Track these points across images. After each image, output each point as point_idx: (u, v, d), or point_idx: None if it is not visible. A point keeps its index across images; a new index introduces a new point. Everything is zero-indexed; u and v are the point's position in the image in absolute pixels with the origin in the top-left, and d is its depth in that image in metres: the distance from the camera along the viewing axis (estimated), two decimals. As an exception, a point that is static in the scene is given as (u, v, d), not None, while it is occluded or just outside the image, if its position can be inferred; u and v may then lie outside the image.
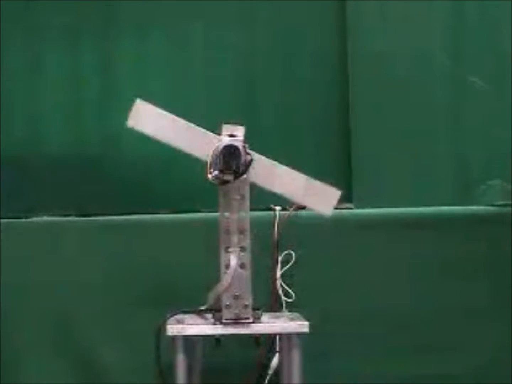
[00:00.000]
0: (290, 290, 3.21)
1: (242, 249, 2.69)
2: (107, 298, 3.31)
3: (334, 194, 2.74)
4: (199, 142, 2.69)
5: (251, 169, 2.64)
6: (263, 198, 3.06)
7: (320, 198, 2.75)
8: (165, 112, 2.76)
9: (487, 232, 3.27)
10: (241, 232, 2.68)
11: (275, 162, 2.72)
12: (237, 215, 2.68)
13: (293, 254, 3.21)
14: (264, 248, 3.15)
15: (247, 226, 2.69)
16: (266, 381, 3.21)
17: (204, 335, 2.73)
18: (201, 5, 3.41)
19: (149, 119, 2.76)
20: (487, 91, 3.34)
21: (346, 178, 3.38)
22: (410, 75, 3.36)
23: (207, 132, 2.70)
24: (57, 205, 3.41)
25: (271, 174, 2.72)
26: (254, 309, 2.73)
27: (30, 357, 3.31)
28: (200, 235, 3.17)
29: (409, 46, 3.37)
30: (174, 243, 3.29)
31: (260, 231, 2.90)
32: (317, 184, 2.74)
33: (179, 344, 2.68)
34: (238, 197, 2.68)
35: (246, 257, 2.69)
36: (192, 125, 2.73)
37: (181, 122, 2.73)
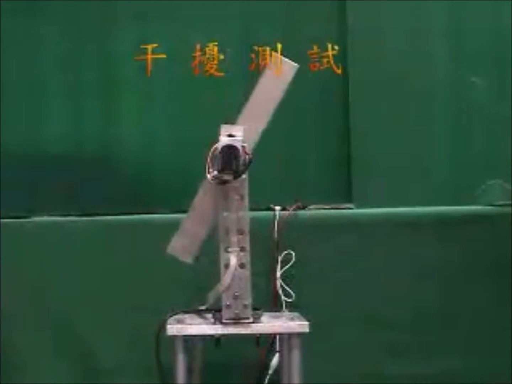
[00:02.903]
0: (290, 290, 3.21)
1: (242, 249, 2.69)
2: (107, 297, 3.31)
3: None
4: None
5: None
6: (263, 198, 3.07)
7: None
8: None
9: (487, 232, 3.27)
10: (240, 232, 2.69)
11: None
12: (237, 215, 2.68)
13: (293, 254, 3.21)
14: (264, 248, 3.15)
15: (246, 226, 2.69)
16: (266, 381, 3.21)
17: (204, 335, 2.73)
18: (201, 4, 3.41)
19: None
20: (487, 91, 3.34)
21: (346, 178, 3.38)
22: (410, 75, 3.36)
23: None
24: (57, 205, 3.41)
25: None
26: (254, 309, 2.73)
27: (30, 357, 3.32)
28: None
29: (409, 46, 3.37)
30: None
31: (260, 231, 2.90)
32: None
33: (179, 344, 2.68)
34: (237, 197, 2.68)
35: (246, 257, 2.70)
36: None
37: None
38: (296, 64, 2.77)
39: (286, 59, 2.76)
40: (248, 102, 2.76)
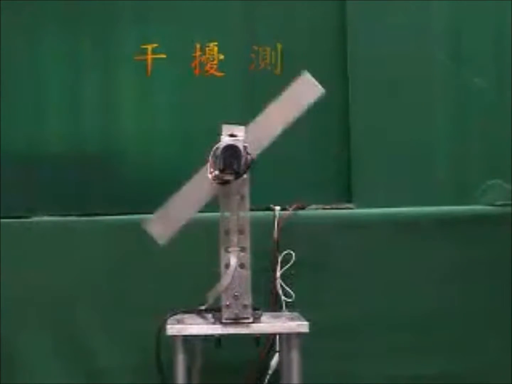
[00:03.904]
0: (290, 290, 3.21)
1: (242, 249, 2.70)
2: (107, 297, 3.31)
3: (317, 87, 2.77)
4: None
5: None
6: (263, 198, 3.07)
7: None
8: None
9: (487, 232, 3.26)
10: (241, 232, 2.69)
11: None
12: (237, 215, 2.68)
13: (293, 254, 3.21)
14: (264, 248, 3.15)
15: (247, 226, 2.69)
16: (266, 381, 3.21)
17: (204, 335, 2.73)
18: (202, 4, 3.42)
19: None
20: (487, 91, 3.34)
21: (346, 178, 3.39)
22: (410, 75, 3.36)
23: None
24: (58, 205, 3.41)
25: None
26: (254, 309, 2.73)
27: (30, 357, 3.31)
28: (200, 235, 3.17)
29: (409, 46, 3.37)
30: (174, 243, 3.28)
31: (260, 231, 2.90)
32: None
33: (179, 344, 2.68)
34: (238, 197, 2.68)
35: (246, 257, 2.70)
36: None
37: None
38: (322, 89, 2.76)
39: (316, 82, 2.75)
40: (267, 109, 2.75)
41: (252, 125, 2.71)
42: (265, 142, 2.72)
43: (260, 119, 2.74)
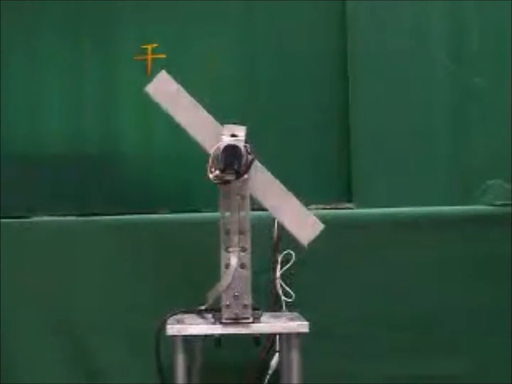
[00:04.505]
0: (290, 290, 3.20)
1: (242, 249, 2.69)
2: (107, 297, 3.31)
3: (317, 226, 2.76)
4: (205, 130, 2.71)
5: (250, 181, 2.66)
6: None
7: (304, 227, 2.76)
8: (185, 93, 2.76)
9: (487, 232, 3.26)
10: (241, 232, 2.69)
11: (275, 180, 2.73)
12: (238, 215, 2.68)
13: (293, 254, 3.21)
14: (264, 248, 3.15)
15: (247, 226, 2.69)
16: (266, 381, 3.21)
17: (204, 335, 2.73)
18: (201, 4, 3.41)
19: (168, 93, 2.76)
20: (487, 91, 3.34)
21: (346, 178, 3.38)
22: (410, 75, 3.36)
23: (218, 125, 2.70)
24: (57, 205, 3.41)
25: (269, 190, 2.74)
26: (253, 309, 2.73)
27: (30, 357, 3.31)
28: (200, 235, 3.17)
29: (409, 46, 3.37)
30: (174, 243, 3.29)
31: (260, 231, 2.90)
32: (307, 213, 2.76)
33: (179, 344, 2.68)
34: (238, 197, 2.68)
35: (246, 257, 2.69)
36: (205, 113, 2.73)
37: (197, 107, 2.75)
38: (322, 225, 2.78)
39: (318, 222, 2.77)
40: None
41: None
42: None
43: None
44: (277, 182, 2.74)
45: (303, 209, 2.77)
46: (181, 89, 2.76)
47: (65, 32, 3.46)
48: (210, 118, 2.73)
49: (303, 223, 2.76)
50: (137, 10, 3.44)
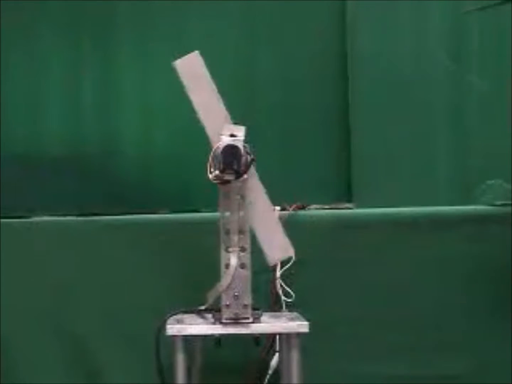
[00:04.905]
0: (290, 290, 3.20)
1: (242, 249, 2.70)
2: (107, 297, 3.31)
3: (289, 251, 2.79)
4: (215, 120, 2.72)
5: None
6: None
7: (276, 247, 2.78)
8: (208, 78, 2.78)
9: (487, 232, 3.26)
10: (241, 232, 2.69)
11: (263, 190, 2.75)
12: (237, 215, 2.69)
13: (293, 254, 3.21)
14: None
15: (247, 226, 2.69)
16: (266, 381, 3.21)
17: (204, 335, 2.73)
18: (201, 5, 3.42)
19: (192, 72, 2.78)
20: (487, 91, 3.34)
21: (346, 178, 3.38)
22: (410, 75, 3.36)
23: (228, 119, 2.71)
24: (57, 205, 3.41)
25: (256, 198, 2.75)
26: (253, 309, 2.73)
27: (30, 357, 3.31)
28: (200, 235, 3.17)
29: (409, 46, 3.37)
30: (174, 243, 3.29)
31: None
32: (282, 235, 2.78)
33: (179, 344, 2.68)
34: (238, 197, 2.68)
35: (246, 257, 2.70)
36: (220, 103, 2.75)
37: (214, 94, 2.76)
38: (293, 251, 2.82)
39: (290, 247, 2.81)
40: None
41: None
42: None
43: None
44: (264, 194, 2.74)
45: (280, 228, 2.77)
46: (207, 74, 2.77)
47: (65, 32, 3.46)
48: (223, 111, 2.73)
49: (276, 243, 2.76)
50: (137, 10, 3.45)
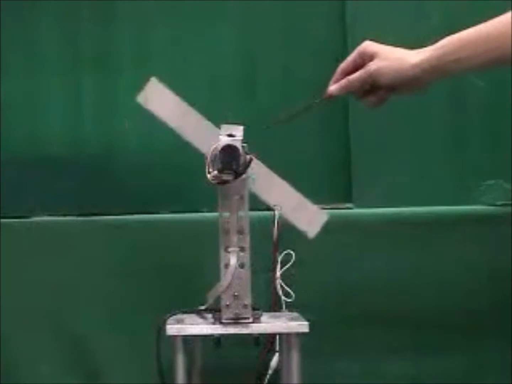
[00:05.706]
0: (290, 290, 3.20)
1: (242, 249, 2.69)
2: (107, 298, 3.31)
3: (322, 217, 2.76)
4: (202, 134, 2.70)
5: (249, 180, 2.65)
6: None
7: (308, 218, 2.77)
8: (176, 98, 2.75)
9: (487, 232, 3.26)
10: (240, 232, 2.69)
11: (274, 174, 2.73)
12: (237, 215, 2.68)
13: (293, 254, 3.21)
14: (264, 248, 3.15)
15: (246, 226, 2.69)
16: (266, 381, 3.21)
17: (204, 335, 2.73)
18: (200, 4, 3.42)
19: (160, 100, 2.75)
20: (487, 91, 3.33)
21: (346, 178, 3.38)
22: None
23: (213, 127, 2.70)
24: (57, 205, 3.42)
25: (269, 185, 2.73)
26: (253, 309, 2.73)
27: (30, 357, 3.32)
28: (200, 235, 3.18)
29: (409, 46, 3.36)
30: (174, 243, 3.29)
31: (260, 231, 2.90)
32: (309, 204, 2.75)
33: (179, 344, 2.67)
34: (237, 197, 2.68)
35: (246, 257, 2.70)
36: (199, 116, 2.73)
37: (190, 111, 2.74)
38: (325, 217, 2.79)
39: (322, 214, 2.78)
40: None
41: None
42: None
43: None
44: (276, 176, 2.74)
45: (303, 199, 2.77)
46: (172, 94, 2.75)
47: (65, 32, 3.46)
48: (204, 121, 2.73)
49: (307, 216, 2.76)
50: (136, 10, 3.45)
